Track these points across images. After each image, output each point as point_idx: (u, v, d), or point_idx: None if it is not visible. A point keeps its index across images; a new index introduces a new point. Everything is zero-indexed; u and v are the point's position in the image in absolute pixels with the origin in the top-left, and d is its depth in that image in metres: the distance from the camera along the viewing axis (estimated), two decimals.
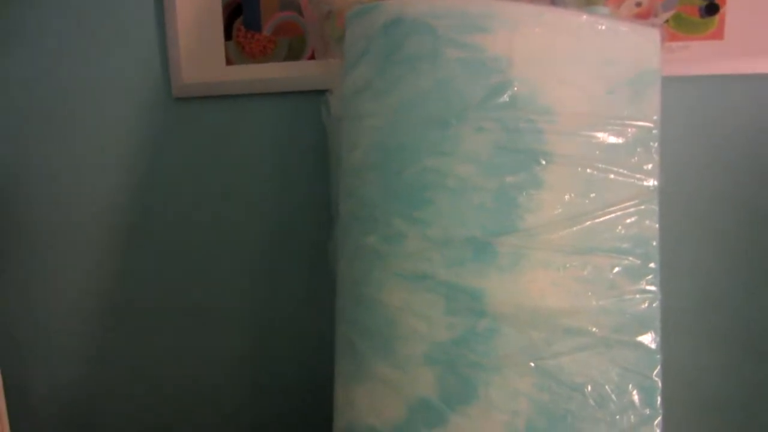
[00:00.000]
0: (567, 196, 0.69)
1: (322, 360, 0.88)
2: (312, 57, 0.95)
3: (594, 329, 0.67)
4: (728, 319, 0.91)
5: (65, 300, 1.10)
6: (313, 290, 1.00)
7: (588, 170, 0.69)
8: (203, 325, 1.06)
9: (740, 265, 0.90)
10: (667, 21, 0.87)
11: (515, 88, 0.69)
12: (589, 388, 0.66)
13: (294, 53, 0.96)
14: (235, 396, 1.06)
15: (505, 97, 0.69)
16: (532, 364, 0.66)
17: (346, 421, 0.72)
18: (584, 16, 0.72)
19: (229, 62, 0.98)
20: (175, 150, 1.03)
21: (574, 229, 0.68)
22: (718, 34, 0.87)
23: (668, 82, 0.82)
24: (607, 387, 0.66)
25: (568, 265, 0.68)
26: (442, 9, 0.70)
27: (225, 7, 0.97)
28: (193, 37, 0.98)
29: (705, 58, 0.87)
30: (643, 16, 0.88)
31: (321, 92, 0.87)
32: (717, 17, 0.86)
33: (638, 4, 0.88)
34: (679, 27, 0.87)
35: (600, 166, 0.70)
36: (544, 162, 0.69)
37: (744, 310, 0.90)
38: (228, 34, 0.97)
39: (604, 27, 0.72)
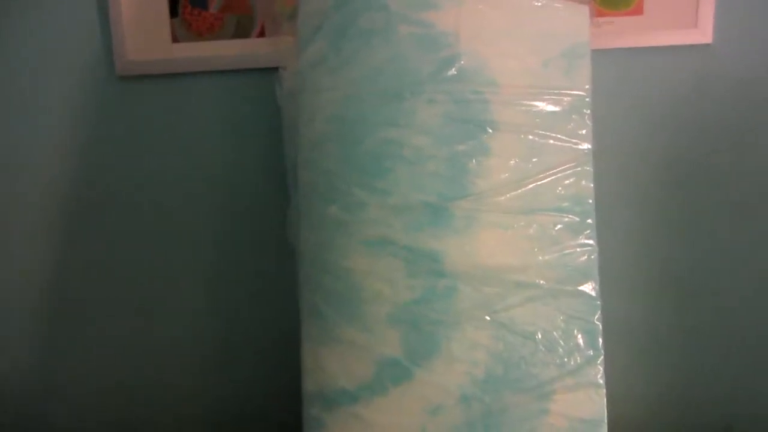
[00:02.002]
0: (512, 162, 0.73)
1: (285, 329, 0.89)
2: (261, 34, 0.94)
3: (541, 281, 0.72)
4: (657, 266, 0.98)
5: (6, 293, 1.04)
6: (272, 264, 1.00)
7: (530, 137, 0.73)
8: (160, 311, 1.04)
9: (666, 218, 0.97)
10: None
11: (462, 62, 0.72)
12: (539, 335, 0.71)
13: (242, 31, 0.94)
14: (198, 377, 1.05)
15: (454, 71, 0.72)
16: (488, 318, 0.71)
17: (315, 384, 0.73)
18: None
19: (175, 40, 0.95)
20: (120, 131, 0.99)
21: (520, 191, 0.72)
22: (639, 10, 0.92)
23: (597, 54, 0.87)
24: (554, 333, 0.71)
25: (515, 225, 0.72)
26: None
27: None
28: (137, 14, 0.94)
29: (628, 31, 0.92)
30: None
31: (271, 69, 0.87)
32: None
33: None
34: (604, 4, 0.92)
35: (540, 132, 0.74)
36: (490, 130, 0.72)
37: (671, 258, 0.97)
38: (174, 12, 0.94)
39: (539, 4, 0.76)
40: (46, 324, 1.05)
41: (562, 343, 0.71)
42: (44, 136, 1.00)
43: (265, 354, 1.03)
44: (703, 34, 0.92)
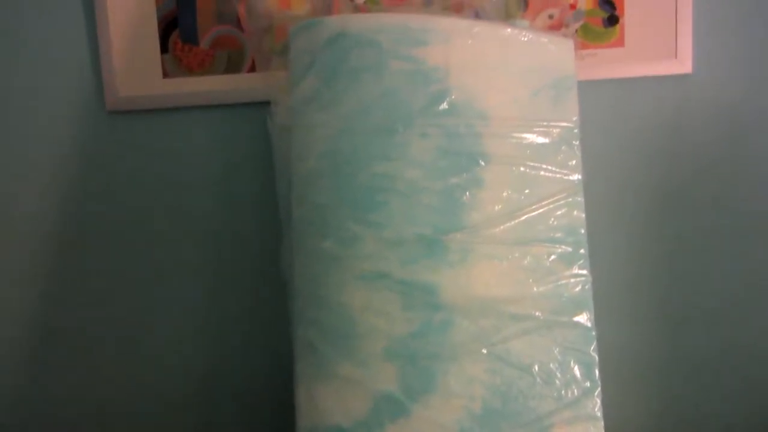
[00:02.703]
0: (505, 193, 0.73)
1: (276, 365, 0.87)
2: (252, 69, 0.94)
3: (537, 313, 0.71)
4: (647, 296, 0.98)
5: None
6: (265, 298, 0.98)
7: (521, 168, 0.74)
8: (151, 344, 1.01)
9: (655, 247, 0.97)
10: (576, 31, 0.93)
11: (453, 96, 0.72)
12: (536, 367, 0.70)
13: (233, 66, 0.94)
14: (187, 410, 1.03)
15: (445, 105, 0.72)
16: (484, 351, 0.70)
17: (310, 422, 0.72)
18: (509, 29, 0.76)
19: (166, 75, 0.95)
20: (112, 166, 0.98)
21: (513, 222, 0.72)
22: (620, 42, 0.94)
23: (581, 85, 0.88)
24: (551, 365, 0.71)
25: (510, 257, 0.72)
26: (384, 24, 0.72)
27: (160, 21, 0.94)
28: (128, 49, 0.94)
29: (610, 63, 0.94)
30: (555, 27, 0.93)
31: (261, 104, 0.87)
32: (618, 27, 0.93)
33: (551, 17, 0.93)
34: (586, 36, 0.93)
35: (531, 164, 0.74)
36: (483, 163, 0.72)
37: (659, 287, 0.97)
38: (164, 48, 0.94)
39: (526, 38, 0.76)
40: (30, 352, 1.02)
41: (558, 375, 0.70)
42: (35, 172, 0.99)
43: (256, 392, 1.00)
44: (682, 64, 0.94)
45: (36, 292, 1.01)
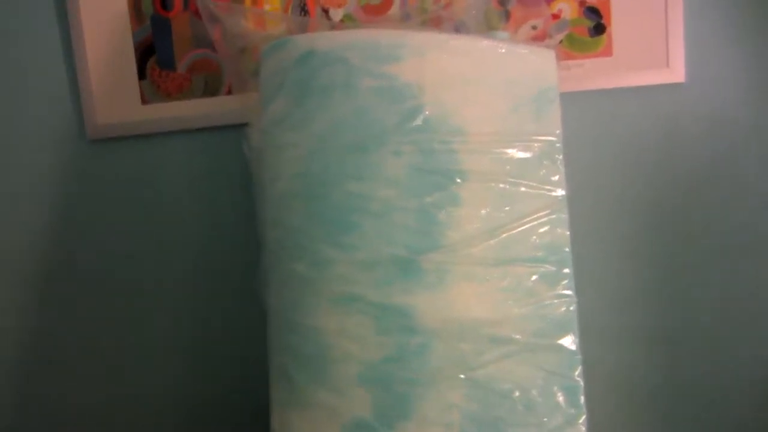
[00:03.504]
0: (483, 211, 0.70)
1: (256, 389, 0.85)
2: (230, 92, 0.93)
3: (517, 336, 0.69)
4: (637, 316, 0.94)
5: None
6: (246, 324, 0.97)
7: (501, 185, 0.71)
8: (133, 374, 1.01)
9: (644, 264, 0.94)
10: (561, 41, 0.91)
11: (427, 112, 0.70)
12: (517, 393, 0.67)
13: (211, 89, 0.94)
14: (167, 426, 1.01)
15: (419, 121, 0.70)
16: (462, 376, 0.67)
17: None
18: (485, 42, 0.74)
19: (144, 101, 0.95)
20: (93, 194, 0.98)
21: (492, 242, 0.70)
22: (608, 51, 0.92)
23: (567, 97, 0.86)
24: (533, 391, 0.68)
25: (489, 277, 0.69)
26: (354, 41, 0.71)
27: (137, 47, 0.94)
28: (106, 77, 0.94)
29: (598, 74, 0.92)
30: (539, 38, 0.91)
31: (240, 126, 0.86)
32: (605, 36, 0.91)
33: (534, 27, 0.92)
34: (572, 46, 0.92)
35: (511, 180, 0.72)
36: (459, 180, 0.70)
37: (650, 308, 0.94)
38: (142, 74, 0.95)
39: (504, 50, 0.74)
40: (13, 389, 1.02)
41: (541, 401, 0.67)
42: (16, 202, 0.99)
43: (242, 417, 0.99)
44: (674, 73, 0.91)
45: (17, 323, 1.01)
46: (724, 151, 0.93)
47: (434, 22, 0.86)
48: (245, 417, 0.99)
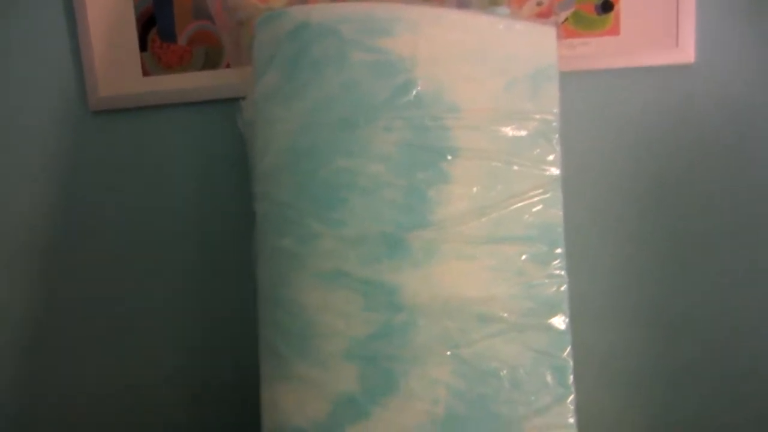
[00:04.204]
0: (474, 189, 0.70)
1: (253, 362, 0.86)
2: (230, 65, 0.93)
3: (506, 315, 0.68)
4: (630, 298, 0.93)
5: None
6: (243, 296, 0.97)
7: (493, 163, 0.70)
8: (130, 342, 1.02)
9: (642, 246, 0.93)
10: (567, 19, 0.89)
11: (419, 87, 0.69)
12: (504, 371, 0.67)
13: (211, 62, 0.94)
14: (168, 406, 1.03)
15: (411, 97, 0.69)
16: (449, 353, 0.67)
17: (272, 422, 0.70)
18: (483, 17, 0.73)
19: (145, 73, 0.95)
20: (95, 165, 0.99)
21: (483, 220, 0.69)
22: (615, 30, 0.89)
23: (571, 76, 0.84)
24: (521, 370, 0.67)
25: (478, 255, 0.69)
26: (347, 13, 0.70)
27: (138, 18, 0.94)
28: (108, 49, 0.95)
29: (604, 53, 0.89)
30: (544, 14, 0.89)
31: (240, 99, 0.86)
32: (612, 14, 0.89)
33: (539, 4, 0.90)
34: (578, 24, 0.90)
35: (505, 158, 0.71)
36: (450, 157, 0.69)
37: (644, 290, 0.93)
38: (143, 45, 0.95)
39: (502, 26, 0.73)
40: (15, 357, 1.05)
41: (528, 380, 0.67)
42: (18, 173, 1.00)
43: (235, 390, 1.00)
44: (684, 53, 0.89)
45: (20, 293, 1.03)
46: (732, 134, 0.90)
47: None
48: (240, 392, 1.00)
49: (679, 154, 0.91)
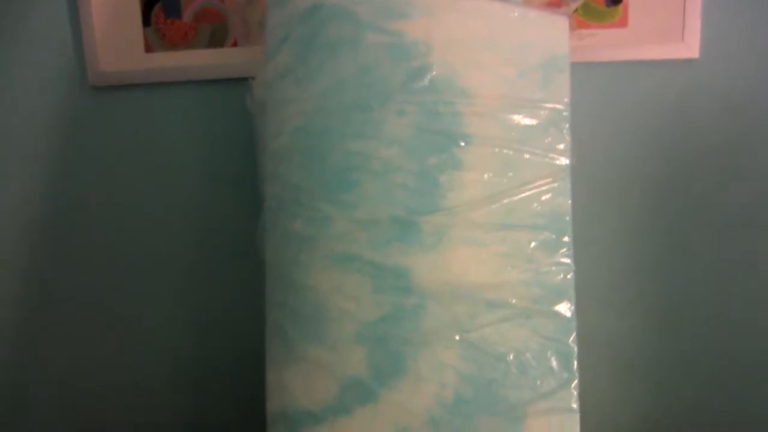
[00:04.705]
0: (486, 176, 0.70)
1: (256, 346, 0.86)
2: (236, 44, 0.92)
3: (514, 301, 0.69)
4: (634, 286, 0.95)
5: None
6: (246, 279, 0.97)
7: (505, 150, 0.71)
8: (132, 323, 1.01)
9: (645, 237, 0.94)
10: (576, 10, 0.90)
11: (434, 72, 0.69)
12: (512, 356, 0.68)
13: (217, 40, 0.92)
14: (170, 388, 1.02)
15: (425, 81, 0.69)
16: (458, 337, 0.67)
17: (279, 405, 0.70)
18: (497, 4, 0.73)
19: (148, 49, 0.93)
20: (94, 141, 0.97)
21: (494, 206, 0.70)
22: (623, 22, 0.90)
23: (579, 67, 0.85)
24: (528, 354, 0.68)
25: (488, 241, 0.69)
26: None
27: None
28: (110, 23, 0.93)
29: (611, 44, 0.90)
30: (555, 4, 0.90)
31: (246, 79, 0.84)
32: (621, 6, 0.90)
33: None
34: (587, 15, 0.90)
35: (516, 146, 0.71)
36: (463, 143, 0.70)
37: (645, 279, 0.95)
38: (147, 21, 0.93)
39: (516, 14, 0.73)
40: (16, 336, 1.03)
41: (535, 365, 0.68)
42: (16, 147, 0.98)
43: (237, 370, 1.00)
44: (689, 48, 0.90)
45: (19, 271, 1.01)
46: (735, 128, 0.91)
47: None
48: (245, 383, 0.99)
49: (683, 147, 0.92)
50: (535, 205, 0.71)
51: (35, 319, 1.03)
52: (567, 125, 0.74)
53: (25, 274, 1.01)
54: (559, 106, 0.74)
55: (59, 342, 1.03)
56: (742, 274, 0.94)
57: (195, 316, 1.01)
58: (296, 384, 0.69)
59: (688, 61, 0.91)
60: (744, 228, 0.93)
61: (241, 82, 0.89)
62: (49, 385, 1.04)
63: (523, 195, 0.71)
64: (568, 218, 0.72)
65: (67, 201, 0.99)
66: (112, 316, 1.01)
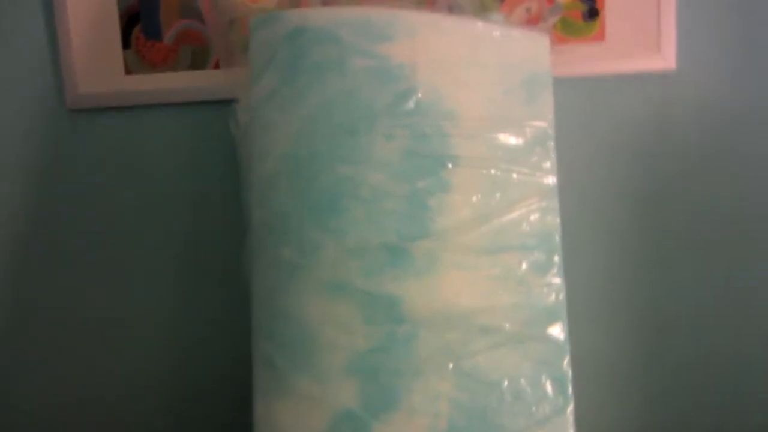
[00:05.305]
0: (474, 198, 0.67)
1: (238, 374, 0.81)
2: (217, 66, 0.87)
3: (507, 325, 0.65)
4: (626, 305, 0.92)
5: None
6: (227, 305, 0.92)
7: (492, 171, 0.68)
8: (111, 348, 0.96)
9: (632, 253, 0.91)
10: (554, 25, 0.87)
11: (419, 95, 0.66)
12: (506, 383, 0.64)
13: (198, 62, 0.88)
14: (147, 415, 0.97)
15: (411, 104, 0.66)
16: (451, 365, 0.64)
17: None
18: (479, 23, 0.70)
19: (128, 71, 0.88)
20: (72, 165, 0.92)
21: (483, 228, 0.66)
22: (600, 36, 0.87)
23: (558, 82, 0.81)
24: (522, 380, 0.65)
25: (479, 265, 0.66)
26: (345, 17, 0.66)
27: (122, 15, 0.87)
28: (89, 45, 0.88)
29: (590, 59, 0.87)
30: (533, 21, 0.87)
31: (228, 102, 0.80)
32: (598, 21, 0.87)
33: (528, 10, 0.87)
34: (565, 31, 0.87)
35: (503, 166, 0.68)
36: (450, 165, 0.66)
37: (639, 297, 0.92)
38: (126, 43, 0.88)
39: (498, 33, 0.70)
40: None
41: (529, 391, 0.64)
42: None
43: (218, 394, 0.95)
44: (665, 59, 0.87)
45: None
46: (714, 141, 0.89)
47: (429, 1, 0.80)
48: (228, 404, 0.95)
49: (663, 160, 0.90)
50: (525, 225, 0.68)
51: (14, 333, 0.97)
52: (552, 143, 0.71)
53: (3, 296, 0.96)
54: (543, 124, 0.71)
55: (41, 356, 0.97)
56: (730, 286, 0.91)
57: (175, 340, 0.95)
58: (286, 417, 0.65)
59: (666, 73, 0.88)
60: (729, 239, 0.91)
61: (223, 104, 0.85)
62: (30, 398, 0.98)
63: (512, 216, 0.68)
64: (557, 237, 0.69)
65: (43, 224, 0.94)
66: (92, 336, 0.96)
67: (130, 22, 0.87)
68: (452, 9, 0.82)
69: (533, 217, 0.68)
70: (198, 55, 0.87)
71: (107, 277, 0.94)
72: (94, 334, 0.96)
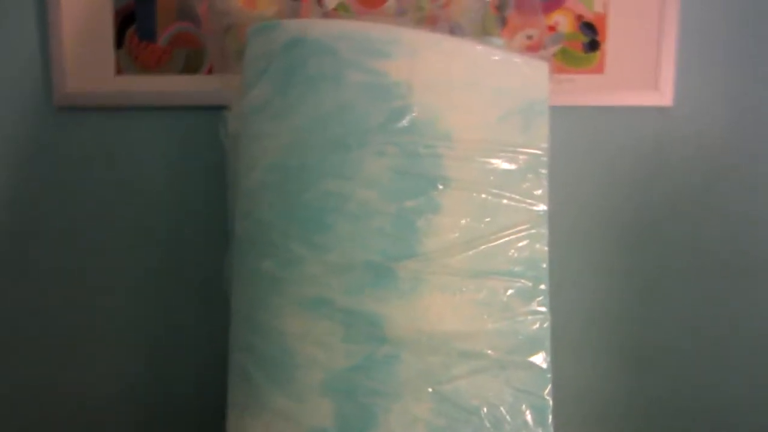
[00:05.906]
0: (463, 221, 0.67)
1: (215, 388, 0.81)
2: (211, 71, 0.88)
3: (489, 351, 0.65)
4: (610, 335, 0.93)
5: None
6: (208, 315, 0.92)
7: (483, 195, 0.68)
8: (88, 354, 0.95)
9: (620, 283, 0.92)
10: (554, 54, 0.89)
11: (414, 114, 0.66)
12: (485, 410, 0.64)
13: (192, 66, 0.88)
14: (121, 419, 0.96)
15: (405, 122, 0.66)
16: (430, 390, 0.63)
17: None
18: (480, 47, 0.71)
19: (119, 72, 0.88)
20: (56, 165, 0.91)
21: (470, 253, 0.66)
22: (599, 69, 0.89)
23: (555, 111, 0.83)
24: (501, 408, 0.64)
25: (464, 289, 0.66)
26: (344, 31, 0.66)
27: (117, 14, 0.87)
28: (80, 42, 0.88)
29: (588, 90, 0.89)
30: (533, 48, 0.88)
31: (220, 108, 0.80)
32: (598, 53, 0.89)
33: (529, 37, 0.89)
34: (565, 60, 0.89)
35: (494, 191, 0.68)
36: (441, 187, 0.66)
37: (625, 326, 0.93)
38: (119, 43, 0.88)
39: (497, 57, 0.71)
40: None
41: (509, 419, 0.64)
42: None
43: (197, 417, 0.94)
44: (662, 96, 0.89)
45: None
46: (708, 177, 0.91)
47: (430, 21, 0.82)
48: (201, 416, 0.94)
49: (655, 193, 0.92)
50: (512, 251, 0.68)
51: None
52: (545, 171, 0.72)
53: None
54: (537, 152, 0.72)
55: (9, 363, 0.95)
56: (715, 317, 0.93)
57: (153, 347, 0.94)
58: None
59: (662, 109, 0.90)
60: (717, 271, 0.92)
61: (214, 110, 0.85)
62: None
63: (500, 241, 0.68)
64: (544, 265, 0.70)
65: (26, 227, 0.93)
66: (69, 339, 0.95)
67: (124, 21, 0.87)
68: (453, 30, 0.84)
69: (522, 243, 0.69)
70: (192, 59, 0.88)
71: (85, 278, 0.93)
72: (65, 336, 0.94)
